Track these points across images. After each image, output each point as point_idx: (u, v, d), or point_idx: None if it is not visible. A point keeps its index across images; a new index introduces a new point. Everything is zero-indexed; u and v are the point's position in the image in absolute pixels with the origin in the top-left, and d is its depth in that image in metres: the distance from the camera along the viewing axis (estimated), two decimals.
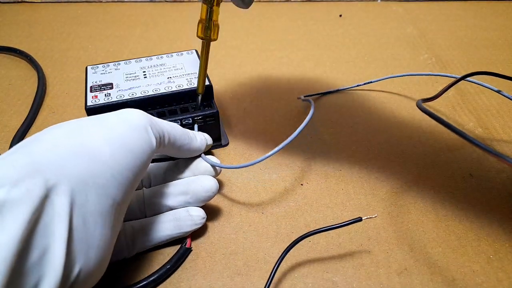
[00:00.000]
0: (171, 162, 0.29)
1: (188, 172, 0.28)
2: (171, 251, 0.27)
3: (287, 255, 0.24)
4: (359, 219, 0.24)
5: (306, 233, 0.24)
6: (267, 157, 0.27)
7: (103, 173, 0.19)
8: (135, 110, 0.23)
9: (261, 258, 0.26)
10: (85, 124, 0.21)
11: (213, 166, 0.28)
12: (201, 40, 0.30)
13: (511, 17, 0.58)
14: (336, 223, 0.24)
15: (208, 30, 0.29)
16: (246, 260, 0.26)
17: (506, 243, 0.27)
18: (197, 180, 0.27)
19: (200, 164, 0.28)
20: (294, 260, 0.26)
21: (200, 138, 0.28)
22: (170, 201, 0.27)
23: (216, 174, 0.28)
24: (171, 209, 0.27)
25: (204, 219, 0.27)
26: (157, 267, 0.25)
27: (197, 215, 0.26)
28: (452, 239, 0.27)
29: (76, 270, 0.18)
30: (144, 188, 0.27)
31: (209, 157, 0.29)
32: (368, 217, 0.25)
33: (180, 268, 0.26)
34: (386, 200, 0.30)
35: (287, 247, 0.24)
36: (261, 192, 0.31)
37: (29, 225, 0.15)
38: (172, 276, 0.25)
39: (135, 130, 0.22)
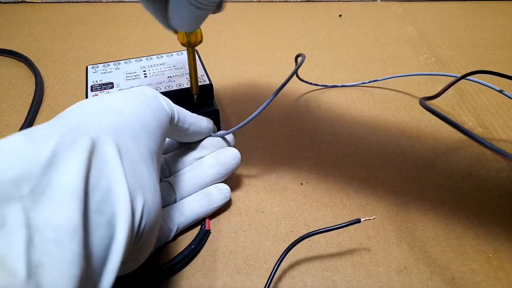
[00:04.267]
0: (184, 148, 0.30)
1: (204, 150, 0.29)
2: (174, 245, 0.27)
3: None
4: (358, 221, 0.24)
5: (305, 235, 0.24)
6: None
7: (133, 125, 0.21)
8: (144, 86, 0.25)
9: (261, 257, 0.26)
10: (101, 96, 0.23)
11: (223, 137, 0.30)
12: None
13: (511, 17, 0.58)
14: (336, 222, 0.25)
15: (189, 36, 0.28)
16: (246, 259, 0.26)
17: (506, 242, 0.27)
18: (222, 151, 0.29)
19: (213, 140, 0.29)
20: (294, 259, 0.26)
21: (206, 119, 0.29)
22: (201, 178, 0.28)
23: (231, 145, 0.30)
24: (201, 187, 0.28)
25: (230, 192, 0.29)
26: (174, 251, 0.26)
27: (225, 188, 0.29)
28: (452, 238, 0.27)
29: (139, 206, 0.18)
30: (167, 178, 0.28)
31: (218, 133, 0.30)
32: (367, 218, 0.25)
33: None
34: (386, 199, 0.30)
35: (286, 248, 0.24)
36: (261, 191, 0.31)
37: (85, 168, 0.16)
38: None
39: (148, 95, 0.24)
